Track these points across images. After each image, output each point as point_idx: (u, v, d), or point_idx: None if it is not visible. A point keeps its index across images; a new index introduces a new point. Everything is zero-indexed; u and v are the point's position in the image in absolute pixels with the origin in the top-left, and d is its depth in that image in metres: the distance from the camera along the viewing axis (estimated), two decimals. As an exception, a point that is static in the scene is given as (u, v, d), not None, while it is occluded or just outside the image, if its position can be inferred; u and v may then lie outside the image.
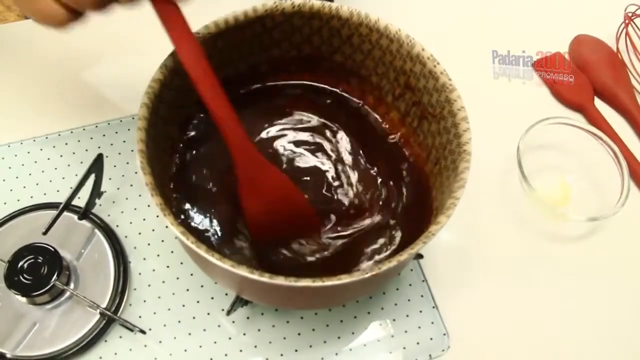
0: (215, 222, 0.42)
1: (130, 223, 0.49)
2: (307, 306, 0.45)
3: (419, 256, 0.48)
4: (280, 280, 0.32)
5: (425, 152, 0.44)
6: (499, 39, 0.61)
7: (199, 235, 0.41)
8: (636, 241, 0.53)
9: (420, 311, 0.48)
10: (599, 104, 0.59)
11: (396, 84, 0.44)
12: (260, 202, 0.40)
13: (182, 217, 0.42)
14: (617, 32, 0.62)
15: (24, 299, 0.44)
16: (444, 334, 0.47)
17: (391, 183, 0.45)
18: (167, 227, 0.35)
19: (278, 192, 0.40)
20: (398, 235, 0.43)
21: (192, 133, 0.45)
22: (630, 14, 0.61)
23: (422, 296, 0.48)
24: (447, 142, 0.40)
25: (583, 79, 0.60)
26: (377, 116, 0.47)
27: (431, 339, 0.47)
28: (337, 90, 0.48)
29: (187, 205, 0.43)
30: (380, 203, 0.44)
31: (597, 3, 0.65)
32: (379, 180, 0.45)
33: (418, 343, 0.46)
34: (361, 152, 0.46)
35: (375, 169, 0.45)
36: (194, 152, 0.44)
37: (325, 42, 0.44)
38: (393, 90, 0.45)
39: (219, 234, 0.42)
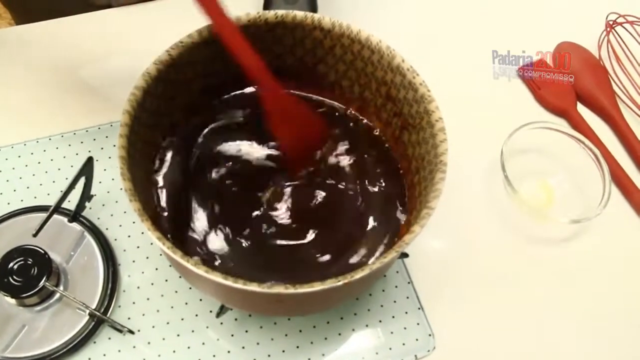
0: (207, 229, 0.43)
1: (120, 226, 0.50)
2: (285, 313, 0.45)
3: (404, 255, 0.49)
4: (253, 287, 0.33)
5: (406, 162, 0.44)
6: (499, 39, 0.62)
7: (188, 244, 0.42)
8: (618, 242, 0.54)
9: (406, 312, 0.48)
10: (581, 109, 0.61)
11: (378, 94, 0.45)
12: (288, 128, 0.43)
13: (175, 227, 0.43)
14: (599, 39, 0.63)
15: (13, 301, 0.45)
16: (430, 335, 0.47)
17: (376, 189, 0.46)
18: (152, 242, 0.35)
19: (299, 116, 0.44)
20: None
21: (178, 140, 0.45)
22: (611, 22, 0.63)
23: (407, 298, 0.49)
24: (426, 153, 0.40)
25: (566, 85, 0.61)
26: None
27: (417, 339, 0.47)
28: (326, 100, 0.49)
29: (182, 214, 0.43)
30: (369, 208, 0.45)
31: (579, 11, 0.67)
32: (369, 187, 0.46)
33: (404, 344, 0.47)
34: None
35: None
36: (184, 159, 0.45)
37: (308, 52, 0.45)
38: (375, 100, 0.45)
39: (209, 242, 0.43)
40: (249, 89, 0.48)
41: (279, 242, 0.43)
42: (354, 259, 0.42)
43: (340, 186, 0.45)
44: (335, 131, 0.47)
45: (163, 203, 0.43)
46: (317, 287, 0.33)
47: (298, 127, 0.44)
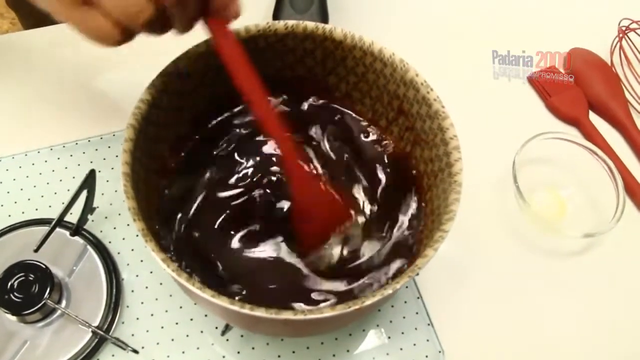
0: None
1: (123, 239, 0.49)
2: (293, 335, 0.44)
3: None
4: (260, 312, 0.32)
5: (418, 179, 0.43)
6: (499, 39, 0.61)
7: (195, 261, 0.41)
8: (632, 257, 0.53)
9: (416, 328, 0.47)
10: (593, 117, 0.59)
11: (390, 107, 0.43)
12: (310, 215, 0.40)
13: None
14: (612, 45, 0.62)
15: (14, 318, 0.44)
16: (440, 352, 0.46)
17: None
18: (145, 246, 0.34)
19: (324, 203, 0.41)
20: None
21: (185, 154, 0.44)
22: (624, 28, 0.61)
23: (417, 313, 0.48)
24: (439, 170, 0.39)
25: (578, 93, 0.60)
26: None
27: (426, 356, 0.46)
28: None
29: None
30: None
31: (591, 16, 0.66)
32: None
33: (413, 360, 0.46)
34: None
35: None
36: (191, 174, 0.44)
37: (319, 63, 0.43)
38: (387, 114, 0.44)
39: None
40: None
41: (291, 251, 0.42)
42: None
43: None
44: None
45: (168, 218, 0.42)
46: (327, 313, 0.32)
47: (323, 213, 0.41)
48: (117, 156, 0.52)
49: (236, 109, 0.46)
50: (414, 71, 0.39)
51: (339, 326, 0.43)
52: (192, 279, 0.33)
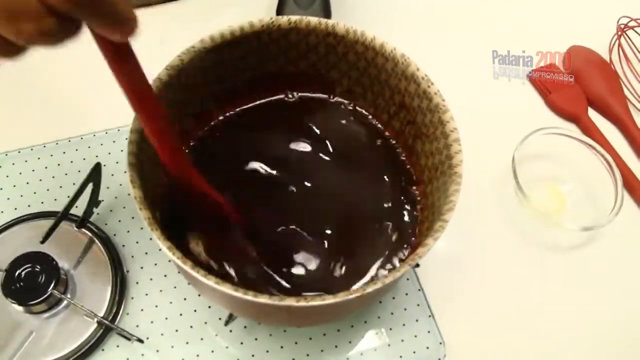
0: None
1: (128, 232, 0.50)
2: (296, 324, 0.44)
3: (415, 265, 0.48)
4: (264, 299, 0.32)
5: (419, 172, 0.44)
6: (499, 39, 0.62)
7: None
8: (630, 250, 0.53)
9: (417, 320, 0.48)
10: (592, 114, 0.60)
11: (391, 102, 0.44)
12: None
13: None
14: (610, 43, 0.63)
15: (20, 308, 0.44)
16: (440, 343, 0.47)
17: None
18: (160, 249, 0.35)
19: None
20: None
21: (189, 146, 0.45)
22: (622, 26, 0.62)
23: (418, 305, 0.48)
24: (440, 163, 0.40)
25: (577, 90, 0.61)
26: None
27: (427, 347, 0.47)
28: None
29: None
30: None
31: (590, 14, 0.66)
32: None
33: (414, 352, 0.47)
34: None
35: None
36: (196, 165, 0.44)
37: (321, 58, 0.44)
38: (388, 108, 0.45)
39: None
40: (261, 98, 0.47)
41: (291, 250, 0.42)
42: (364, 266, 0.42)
43: (352, 191, 0.45)
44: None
45: (172, 210, 0.42)
46: (329, 300, 0.33)
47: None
48: (122, 150, 0.53)
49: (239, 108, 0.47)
50: (414, 65, 0.40)
51: (340, 315, 0.43)
52: (196, 267, 0.34)
